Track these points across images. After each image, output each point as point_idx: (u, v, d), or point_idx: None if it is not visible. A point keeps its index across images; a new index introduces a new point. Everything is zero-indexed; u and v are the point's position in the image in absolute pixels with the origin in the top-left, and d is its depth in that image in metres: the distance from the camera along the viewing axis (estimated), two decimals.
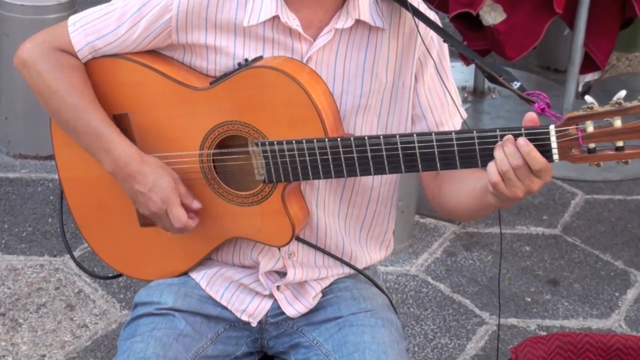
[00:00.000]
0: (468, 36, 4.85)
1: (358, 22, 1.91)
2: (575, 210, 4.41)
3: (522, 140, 1.67)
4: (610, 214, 4.39)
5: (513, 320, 3.55)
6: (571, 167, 4.78)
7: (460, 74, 5.75)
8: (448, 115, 2.03)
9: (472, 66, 5.39)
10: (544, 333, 3.45)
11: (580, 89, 5.00)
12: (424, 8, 1.96)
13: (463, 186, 1.91)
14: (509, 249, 4.03)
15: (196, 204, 1.94)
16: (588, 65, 4.79)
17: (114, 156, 1.92)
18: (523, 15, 4.54)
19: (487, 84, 5.67)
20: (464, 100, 5.53)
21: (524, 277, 3.84)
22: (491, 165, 1.71)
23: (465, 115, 2.03)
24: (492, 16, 4.54)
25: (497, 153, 1.70)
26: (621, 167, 4.70)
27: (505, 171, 1.68)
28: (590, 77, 4.89)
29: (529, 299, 3.69)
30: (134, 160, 1.92)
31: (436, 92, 2.01)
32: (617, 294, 3.76)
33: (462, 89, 5.65)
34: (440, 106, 2.02)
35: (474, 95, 5.62)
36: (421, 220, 4.22)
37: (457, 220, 1.85)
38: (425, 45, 1.96)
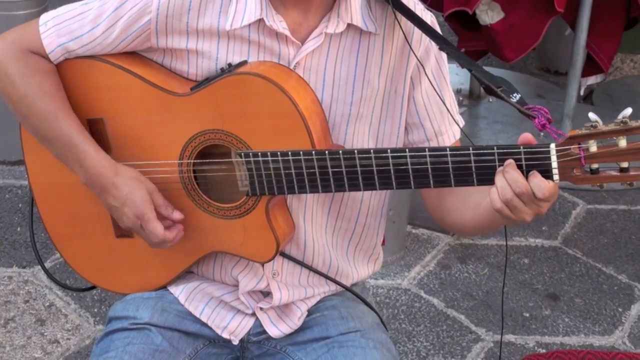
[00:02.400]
0: (464, 36, 4.87)
1: (349, 26, 1.91)
2: (577, 221, 4.42)
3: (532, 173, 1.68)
4: (614, 225, 4.40)
5: (510, 337, 3.56)
6: None
7: (455, 76, 5.76)
8: (448, 124, 2.03)
9: None
10: (544, 350, 3.46)
11: (582, 92, 5.02)
12: (420, 9, 1.95)
13: (467, 202, 1.91)
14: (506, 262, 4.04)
15: (177, 215, 1.94)
16: (590, 67, 4.80)
17: (86, 168, 1.92)
18: (522, 14, 4.55)
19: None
20: (459, 104, 5.54)
21: (522, 291, 3.85)
22: (493, 192, 1.72)
23: (462, 123, 2.03)
24: (489, 15, 4.56)
25: (498, 180, 1.70)
26: None
27: (509, 199, 1.69)
28: (592, 80, 4.91)
29: (528, 315, 3.70)
30: (107, 173, 1.92)
31: (435, 99, 2.00)
32: (620, 310, 3.77)
33: (458, 92, 5.66)
34: (439, 114, 2.01)
35: (469, 99, 5.63)
36: (413, 230, 4.23)
37: (462, 235, 1.81)
38: (413, 52, 1.94)
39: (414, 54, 1.93)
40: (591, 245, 4.21)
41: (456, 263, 4.02)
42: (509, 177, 1.68)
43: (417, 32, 1.94)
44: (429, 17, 1.95)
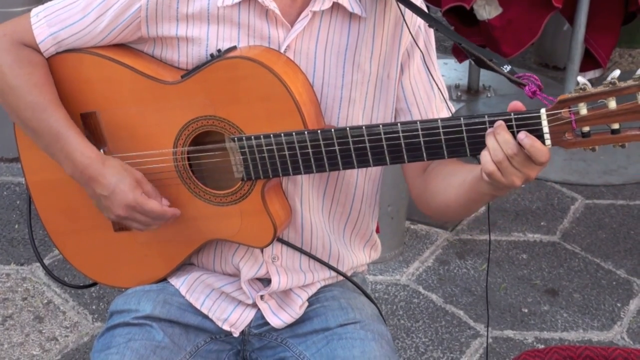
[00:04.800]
0: (462, 32, 4.87)
1: (338, 7, 1.92)
2: (575, 216, 4.43)
3: (522, 134, 1.67)
4: (612, 220, 4.41)
5: (509, 333, 3.57)
6: (570, 170, 4.79)
7: (453, 71, 5.77)
8: (435, 110, 2.04)
9: (466, 63, 5.42)
10: (542, 346, 3.47)
11: None
12: None
13: (452, 181, 1.91)
14: (505, 257, 4.05)
15: (166, 203, 1.95)
16: (589, 62, 4.82)
17: (73, 159, 1.93)
18: (520, 9, 4.56)
19: (482, 82, 5.69)
20: (458, 99, 5.56)
21: (521, 286, 3.86)
22: (485, 155, 1.71)
23: (453, 110, 2.04)
24: (486, 10, 4.57)
25: (490, 141, 1.70)
26: (623, 170, 4.73)
27: (500, 160, 1.69)
28: (590, 75, 4.92)
29: (526, 310, 3.70)
30: (94, 163, 1.92)
31: (422, 84, 2.02)
32: (619, 305, 3.78)
33: (456, 87, 5.68)
34: (426, 99, 2.03)
35: (468, 94, 5.65)
36: (412, 226, 4.23)
37: (445, 219, 1.81)
38: (412, 34, 1.96)
39: (409, 29, 1.94)
40: (590, 240, 4.22)
41: (455, 259, 4.03)
42: (500, 138, 1.69)
43: (407, 17, 1.95)
44: (418, 1, 1.96)
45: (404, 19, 1.95)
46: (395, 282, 3.86)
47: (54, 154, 1.96)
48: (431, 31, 2.00)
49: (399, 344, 3.46)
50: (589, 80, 4.77)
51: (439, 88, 2.02)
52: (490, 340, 3.51)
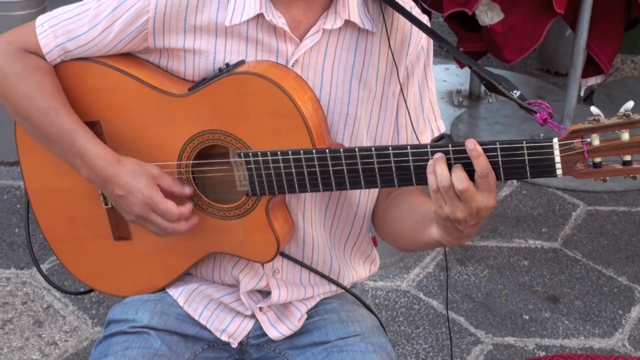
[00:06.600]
0: (463, 37, 4.87)
1: (347, 24, 1.91)
2: (577, 222, 4.42)
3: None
4: (614, 227, 4.40)
5: (510, 340, 3.56)
6: (572, 176, 4.75)
7: (455, 77, 5.76)
8: (420, 131, 2.05)
9: (468, 69, 5.41)
10: (543, 353, 3.46)
11: (582, 93, 5.02)
12: (417, 13, 1.96)
13: (413, 213, 1.92)
14: (506, 264, 4.04)
15: (187, 190, 1.92)
16: (591, 68, 4.81)
17: (89, 161, 1.91)
18: (522, 15, 4.55)
19: (483, 87, 5.68)
20: (459, 105, 5.54)
21: (522, 293, 3.85)
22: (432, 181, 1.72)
23: (439, 132, 2.05)
24: (488, 16, 4.55)
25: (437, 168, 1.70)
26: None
27: (435, 190, 1.69)
28: (593, 81, 4.91)
29: (527, 317, 3.69)
30: (109, 164, 1.90)
31: (414, 106, 2.02)
32: (620, 312, 3.77)
33: (457, 93, 5.67)
34: (415, 122, 2.03)
35: (469, 100, 5.63)
36: None
37: (392, 245, 1.85)
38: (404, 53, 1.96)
39: (408, 49, 1.95)
40: (591, 247, 4.21)
41: (455, 265, 4.02)
42: (438, 170, 1.69)
43: (413, 36, 1.95)
44: (425, 20, 1.96)
45: (409, 40, 1.95)
46: (395, 288, 3.85)
47: (69, 158, 1.93)
48: (431, 48, 2.01)
49: (399, 350, 3.45)
50: (591, 86, 4.75)
51: (433, 108, 2.03)
52: (490, 347, 3.50)
